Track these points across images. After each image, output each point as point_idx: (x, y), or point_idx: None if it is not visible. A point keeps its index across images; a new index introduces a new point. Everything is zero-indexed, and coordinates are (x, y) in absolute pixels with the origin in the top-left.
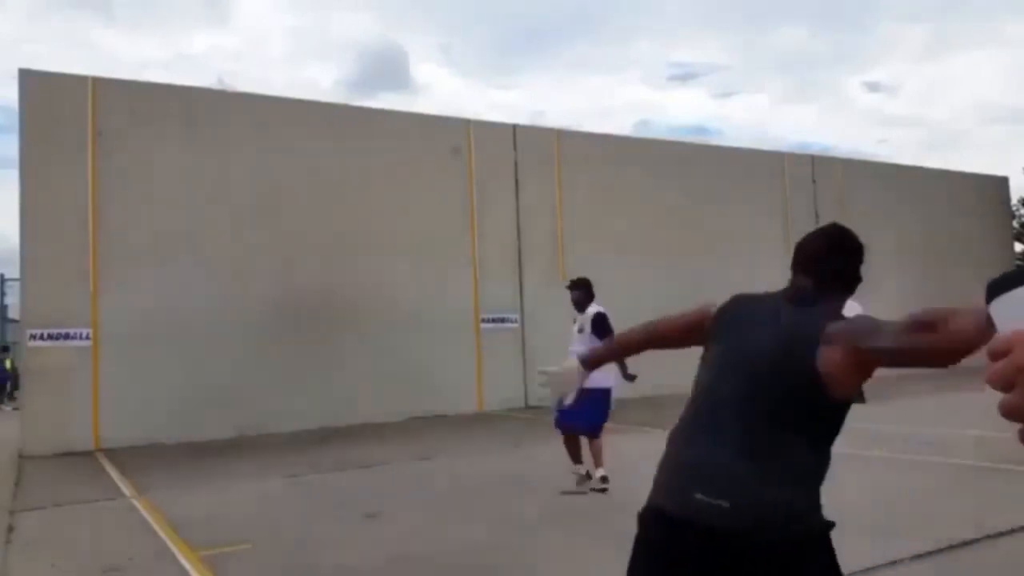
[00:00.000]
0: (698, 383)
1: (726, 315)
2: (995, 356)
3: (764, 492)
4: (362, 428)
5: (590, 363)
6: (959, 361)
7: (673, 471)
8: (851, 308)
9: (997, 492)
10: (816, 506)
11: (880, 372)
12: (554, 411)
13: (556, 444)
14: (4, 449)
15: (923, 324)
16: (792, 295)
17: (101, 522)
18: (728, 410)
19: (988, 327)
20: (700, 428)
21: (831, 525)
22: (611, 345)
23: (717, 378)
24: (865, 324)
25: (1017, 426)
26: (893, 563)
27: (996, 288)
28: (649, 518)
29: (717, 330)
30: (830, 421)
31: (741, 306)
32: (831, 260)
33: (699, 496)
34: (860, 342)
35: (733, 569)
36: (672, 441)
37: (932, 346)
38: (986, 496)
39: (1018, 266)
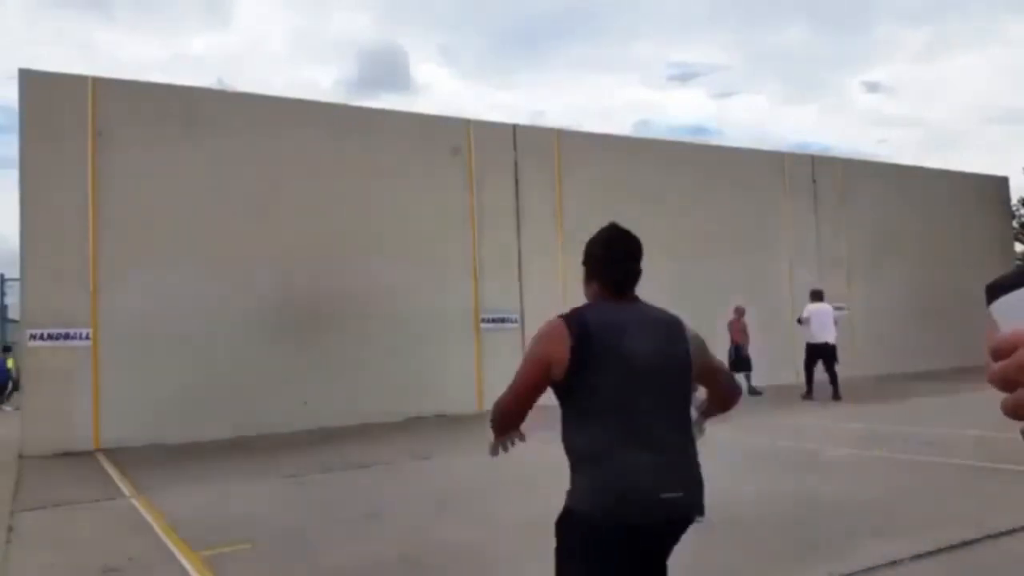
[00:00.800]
0: (592, 394)
1: (590, 342)
2: (997, 356)
3: (695, 475)
4: (362, 428)
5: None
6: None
7: (629, 477)
8: (818, 312)
9: (997, 492)
10: None
11: (883, 371)
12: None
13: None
14: (4, 449)
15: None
16: (631, 303)
17: (101, 522)
18: (654, 416)
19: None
20: (636, 436)
21: None
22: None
23: (630, 390)
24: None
25: (1020, 425)
26: (893, 563)
27: (996, 289)
28: (610, 512)
29: (590, 353)
30: None
31: (600, 328)
32: (636, 266)
33: (664, 495)
34: (715, 362)
35: (669, 542)
36: (605, 452)
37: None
38: (986, 496)
39: (1018, 266)
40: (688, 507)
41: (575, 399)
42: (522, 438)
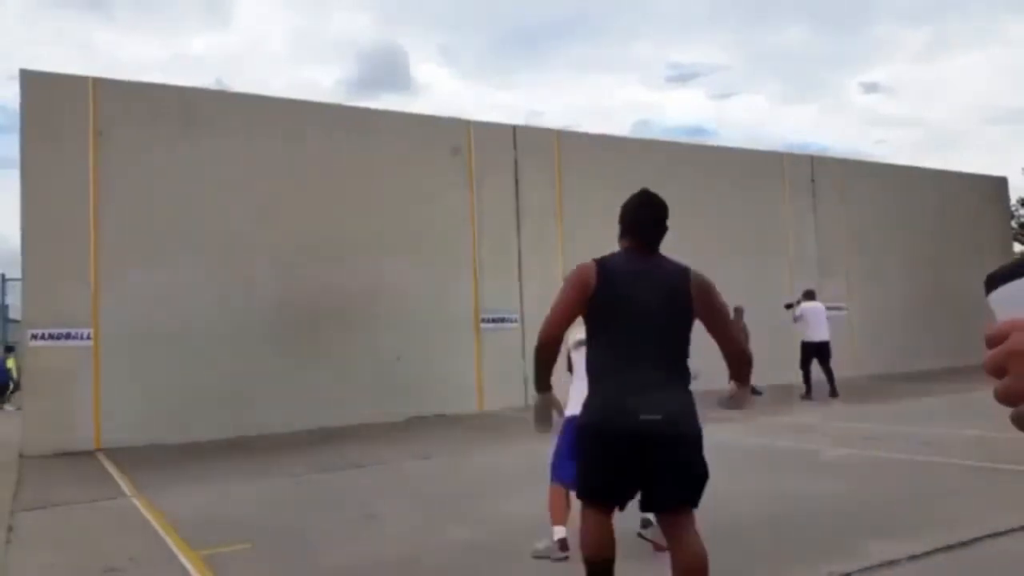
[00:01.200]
0: (604, 332)
1: (608, 284)
2: (991, 343)
3: (675, 403)
4: (362, 428)
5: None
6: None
7: (616, 398)
8: (813, 310)
9: (997, 492)
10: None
11: (882, 371)
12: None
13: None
14: (4, 449)
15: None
16: (652, 256)
17: (101, 522)
18: (643, 350)
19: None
20: (626, 364)
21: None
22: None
23: (626, 328)
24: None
25: (1015, 416)
26: (893, 563)
27: (995, 280)
28: (601, 430)
29: (607, 295)
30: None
31: (617, 274)
32: (661, 228)
33: (643, 416)
34: (717, 306)
35: (652, 451)
36: (602, 376)
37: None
38: (986, 496)
39: (1017, 257)
40: (667, 425)
41: (593, 328)
42: (560, 412)
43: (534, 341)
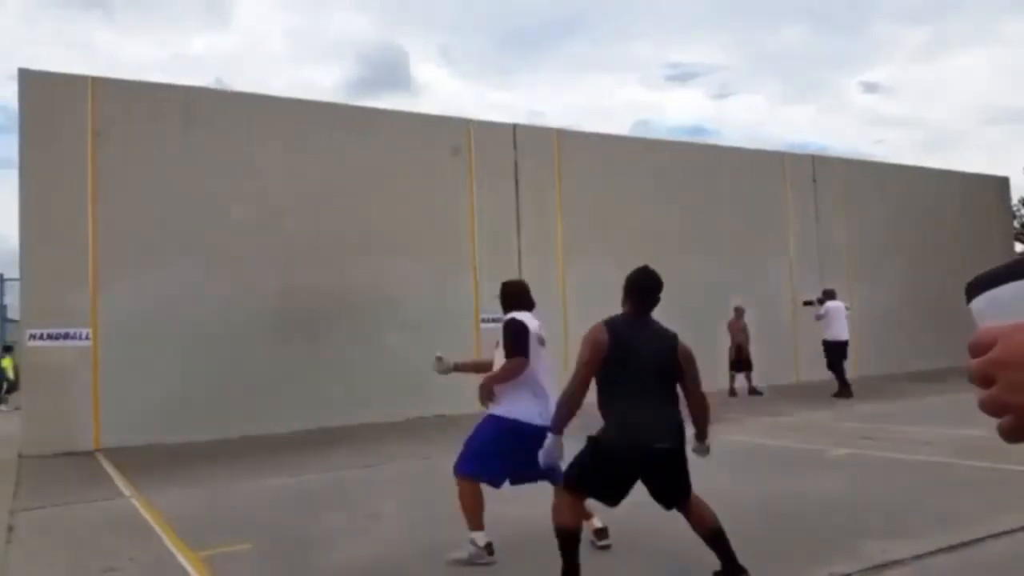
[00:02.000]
0: (617, 379)
1: (619, 345)
2: (975, 352)
3: (677, 429)
4: (362, 428)
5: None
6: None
7: (637, 428)
8: (837, 309)
9: (998, 492)
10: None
11: (883, 371)
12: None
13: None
14: (3, 449)
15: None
16: (646, 320)
17: (101, 522)
18: (650, 392)
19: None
20: (639, 403)
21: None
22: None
23: (635, 376)
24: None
25: (997, 422)
26: (893, 563)
27: (976, 286)
28: (618, 449)
29: (618, 353)
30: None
31: (624, 336)
32: (655, 296)
33: (657, 445)
34: (689, 370)
35: (659, 467)
36: (619, 411)
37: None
38: (987, 496)
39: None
40: (673, 450)
41: (607, 377)
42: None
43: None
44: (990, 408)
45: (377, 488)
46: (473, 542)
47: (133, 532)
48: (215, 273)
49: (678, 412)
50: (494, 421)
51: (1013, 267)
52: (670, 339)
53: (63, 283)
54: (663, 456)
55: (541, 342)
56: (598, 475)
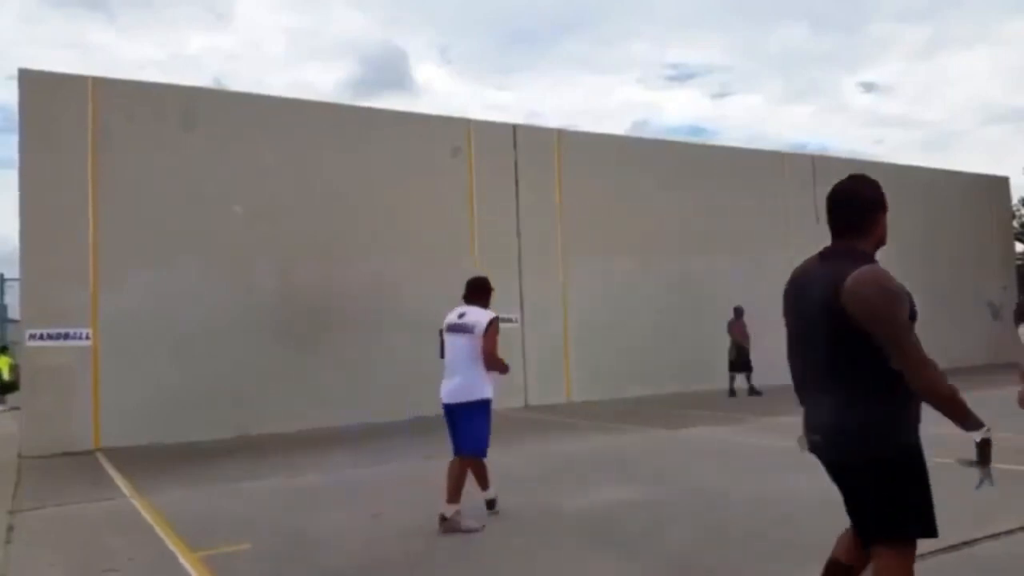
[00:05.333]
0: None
1: (788, 301)
2: None
3: (834, 423)
4: (363, 428)
5: None
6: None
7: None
8: None
9: (998, 492)
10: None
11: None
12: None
13: (556, 443)
14: (4, 449)
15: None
16: (821, 254)
17: (101, 522)
18: (809, 374)
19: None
20: (803, 390)
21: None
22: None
23: (793, 352)
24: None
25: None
26: None
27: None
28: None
29: (785, 312)
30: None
31: (792, 285)
32: (837, 214)
33: (811, 437)
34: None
35: (847, 476)
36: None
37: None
38: (987, 496)
39: (1019, 267)
40: (827, 450)
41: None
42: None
43: (534, 340)
44: None
45: (378, 488)
46: (493, 503)
47: (133, 532)
48: (215, 273)
49: (836, 400)
50: (488, 405)
51: None
52: (828, 288)
53: (63, 283)
54: (824, 458)
55: (448, 329)
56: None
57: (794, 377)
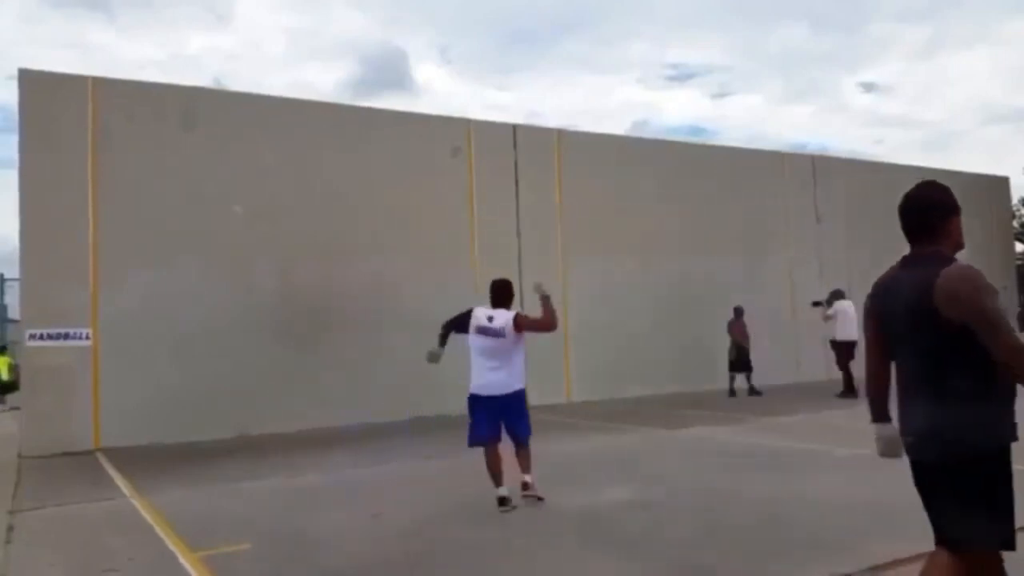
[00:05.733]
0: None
1: (875, 308)
2: None
3: (925, 424)
4: (363, 428)
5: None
6: None
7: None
8: (846, 309)
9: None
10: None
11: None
12: None
13: (556, 443)
14: (4, 449)
15: None
16: (903, 261)
17: (101, 522)
18: (902, 374)
19: None
20: (902, 389)
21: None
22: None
23: (894, 351)
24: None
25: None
26: (893, 563)
27: None
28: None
29: (877, 322)
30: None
31: (877, 294)
32: (912, 221)
33: (906, 438)
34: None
35: (939, 478)
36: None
37: None
38: None
39: (1019, 267)
40: (923, 450)
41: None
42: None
43: (534, 340)
44: None
45: (378, 488)
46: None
47: (133, 532)
48: (215, 273)
49: (930, 400)
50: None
51: None
52: (922, 287)
53: (63, 283)
54: (916, 459)
55: (478, 331)
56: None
57: (873, 381)
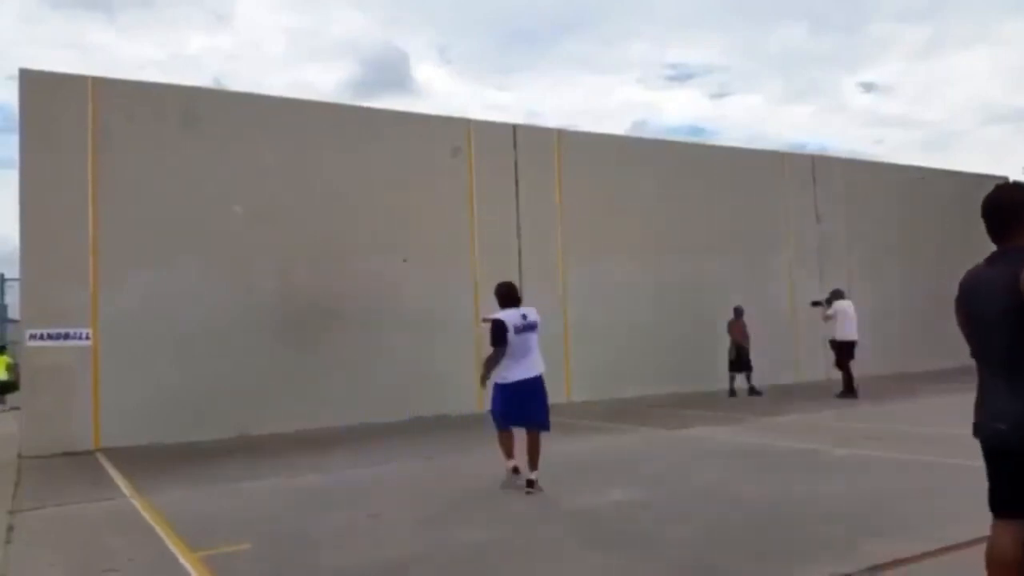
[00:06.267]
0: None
1: (963, 304)
2: None
3: (1008, 411)
4: (363, 428)
5: None
6: None
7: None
8: (845, 309)
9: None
10: None
11: (883, 371)
12: None
13: (556, 443)
14: (4, 449)
15: None
16: (989, 259)
17: (101, 522)
18: (990, 366)
19: None
20: (981, 380)
21: None
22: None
23: (975, 342)
24: None
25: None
26: (893, 563)
27: None
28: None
29: (966, 318)
30: None
31: (964, 291)
32: (994, 221)
33: (991, 424)
34: None
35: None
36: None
37: None
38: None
39: None
40: (1004, 438)
41: None
42: None
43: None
44: None
45: (378, 488)
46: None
47: (133, 532)
48: (215, 273)
49: (1010, 388)
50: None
51: None
52: (997, 282)
53: (63, 283)
54: (999, 446)
55: (520, 330)
56: None
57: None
